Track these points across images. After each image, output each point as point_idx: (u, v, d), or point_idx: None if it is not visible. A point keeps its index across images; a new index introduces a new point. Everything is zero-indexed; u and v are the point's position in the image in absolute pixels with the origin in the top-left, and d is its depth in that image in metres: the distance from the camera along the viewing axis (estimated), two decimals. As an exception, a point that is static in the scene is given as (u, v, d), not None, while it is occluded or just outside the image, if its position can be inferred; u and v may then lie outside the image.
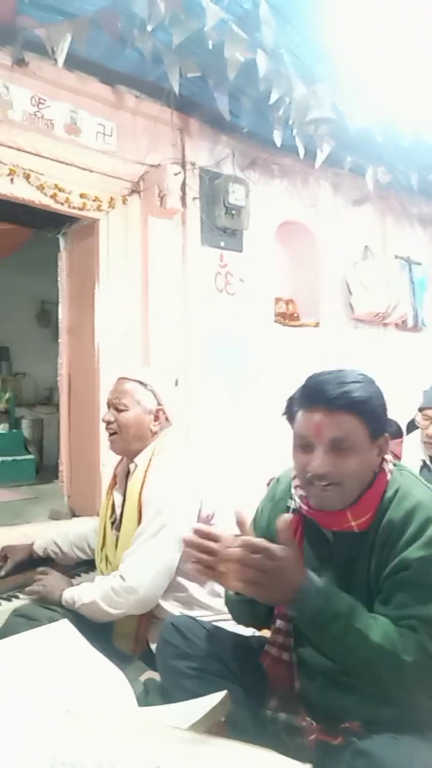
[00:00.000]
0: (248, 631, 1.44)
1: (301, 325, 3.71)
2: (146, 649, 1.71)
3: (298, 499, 1.23)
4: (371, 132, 2.97)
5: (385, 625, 1.07)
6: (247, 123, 3.09)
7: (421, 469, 2.33)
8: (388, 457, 1.21)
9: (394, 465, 1.24)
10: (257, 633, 1.44)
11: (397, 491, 1.16)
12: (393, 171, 3.76)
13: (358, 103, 2.84)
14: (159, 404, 1.84)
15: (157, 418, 1.83)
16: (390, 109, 2.89)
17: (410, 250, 4.41)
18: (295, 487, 1.25)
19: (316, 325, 3.76)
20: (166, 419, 1.86)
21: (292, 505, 1.26)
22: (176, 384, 2.96)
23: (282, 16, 2.32)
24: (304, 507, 1.21)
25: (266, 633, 1.32)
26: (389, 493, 1.16)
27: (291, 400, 1.20)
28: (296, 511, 1.24)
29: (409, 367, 4.27)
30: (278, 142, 2.98)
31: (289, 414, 1.21)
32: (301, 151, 3.06)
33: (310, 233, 3.82)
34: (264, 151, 3.37)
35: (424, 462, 2.34)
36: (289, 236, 3.80)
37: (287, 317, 3.70)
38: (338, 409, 1.10)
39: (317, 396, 1.12)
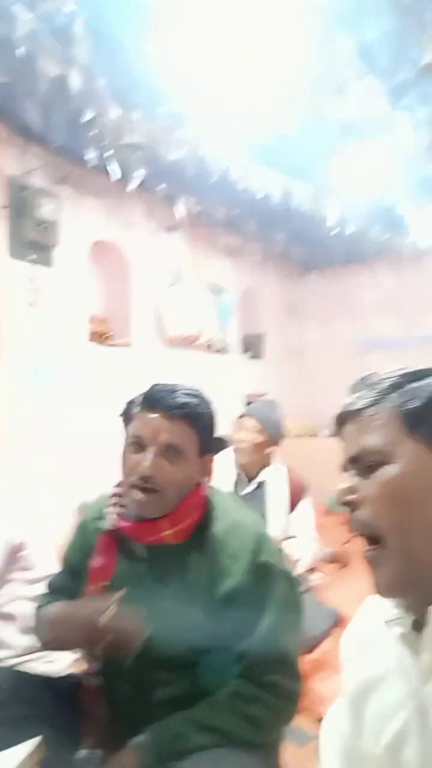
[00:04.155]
0: (58, 671, 1.36)
1: (114, 345, 3.70)
2: None
3: (113, 516, 1.20)
4: (183, 164, 3.11)
5: (220, 703, 1.08)
6: (59, 138, 3.03)
7: (236, 482, 2.45)
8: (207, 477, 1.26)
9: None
10: (68, 672, 1.38)
11: (215, 508, 1.19)
12: (202, 203, 3.99)
13: (171, 135, 2.96)
14: None
15: None
16: (200, 145, 3.06)
17: (218, 277, 4.70)
18: (112, 504, 1.22)
19: (129, 345, 3.79)
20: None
21: (104, 525, 1.22)
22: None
23: (97, 37, 2.33)
24: (119, 522, 1.18)
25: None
26: (209, 510, 1.19)
27: (130, 403, 1.20)
28: (109, 532, 1.21)
29: (216, 387, 4.52)
30: (92, 161, 2.96)
31: (126, 415, 1.20)
32: (115, 173, 3.09)
33: (123, 254, 3.85)
34: (77, 168, 3.32)
35: (238, 475, 2.46)
36: (103, 256, 3.78)
37: (101, 336, 3.67)
38: (177, 417, 1.13)
39: (160, 401, 1.14)
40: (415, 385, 0.67)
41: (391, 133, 3.14)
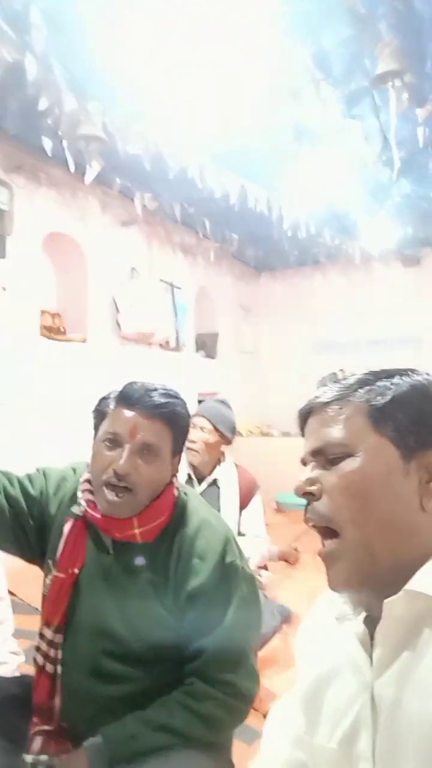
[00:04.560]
0: (9, 673, 1.33)
1: (67, 340, 3.63)
2: None
3: (83, 503, 1.16)
4: (140, 159, 3.08)
5: (173, 701, 1.08)
6: (14, 126, 2.94)
7: (187, 482, 2.45)
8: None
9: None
10: (19, 674, 1.34)
11: (184, 508, 1.19)
12: (159, 199, 3.96)
13: (129, 129, 2.93)
14: None
15: None
16: (158, 141, 3.04)
17: (173, 275, 4.69)
18: (83, 490, 1.18)
19: (83, 340, 3.72)
20: None
21: (75, 510, 1.18)
22: None
23: (54, 25, 2.27)
24: (89, 511, 1.15)
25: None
26: (178, 510, 1.18)
27: (105, 399, 1.18)
28: (79, 517, 1.18)
29: (170, 385, 4.52)
30: (48, 151, 2.89)
31: (99, 411, 1.18)
32: (71, 165, 3.03)
33: (78, 247, 3.78)
34: (32, 157, 3.24)
35: (189, 475, 2.46)
36: (57, 248, 3.70)
37: (53, 331, 3.59)
38: (155, 416, 1.13)
39: (140, 399, 1.13)
40: (383, 383, 0.68)
41: (344, 140, 3.21)
